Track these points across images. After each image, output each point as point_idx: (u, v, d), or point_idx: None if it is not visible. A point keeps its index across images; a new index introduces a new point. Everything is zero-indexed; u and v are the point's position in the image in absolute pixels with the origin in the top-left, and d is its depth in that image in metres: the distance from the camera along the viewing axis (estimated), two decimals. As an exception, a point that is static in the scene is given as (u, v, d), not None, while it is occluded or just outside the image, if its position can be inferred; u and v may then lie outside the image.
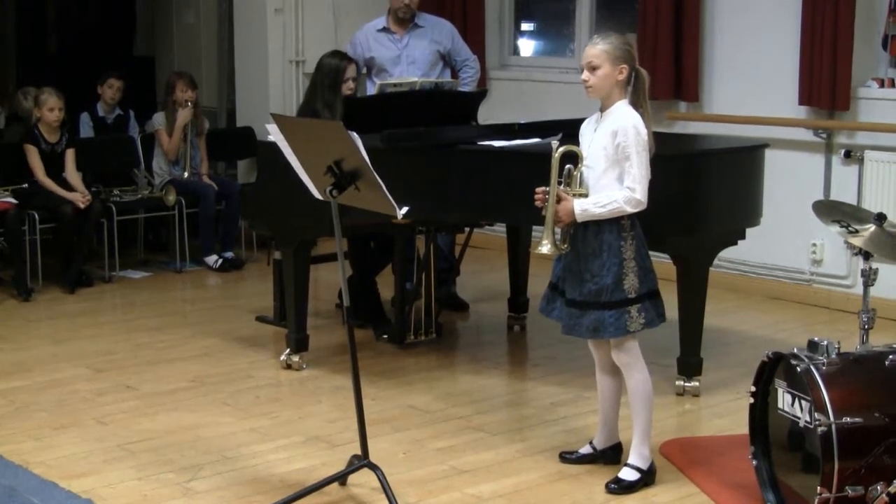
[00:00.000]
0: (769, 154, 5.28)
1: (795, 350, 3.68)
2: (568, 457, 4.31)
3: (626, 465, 4.09)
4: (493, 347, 6.08)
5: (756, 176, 5.17)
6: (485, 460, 4.33)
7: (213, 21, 9.39)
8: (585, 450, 4.30)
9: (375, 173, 3.73)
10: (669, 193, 4.54)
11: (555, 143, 3.95)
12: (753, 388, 3.82)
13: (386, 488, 3.80)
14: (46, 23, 10.93)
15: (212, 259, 7.72)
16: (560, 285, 4.09)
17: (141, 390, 5.18)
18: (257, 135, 8.15)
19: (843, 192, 6.40)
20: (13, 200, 6.96)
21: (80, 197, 7.10)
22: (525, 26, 8.73)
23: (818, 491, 3.45)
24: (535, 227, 5.85)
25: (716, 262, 5.24)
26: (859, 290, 4.13)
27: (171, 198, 7.60)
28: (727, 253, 5.46)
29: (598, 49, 3.91)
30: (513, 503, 3.97)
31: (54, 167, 7.22)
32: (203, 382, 5.31)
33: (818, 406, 3.48)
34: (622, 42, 3.93)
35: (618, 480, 4.05)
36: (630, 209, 3.89)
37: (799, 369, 3.57)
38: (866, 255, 3.96)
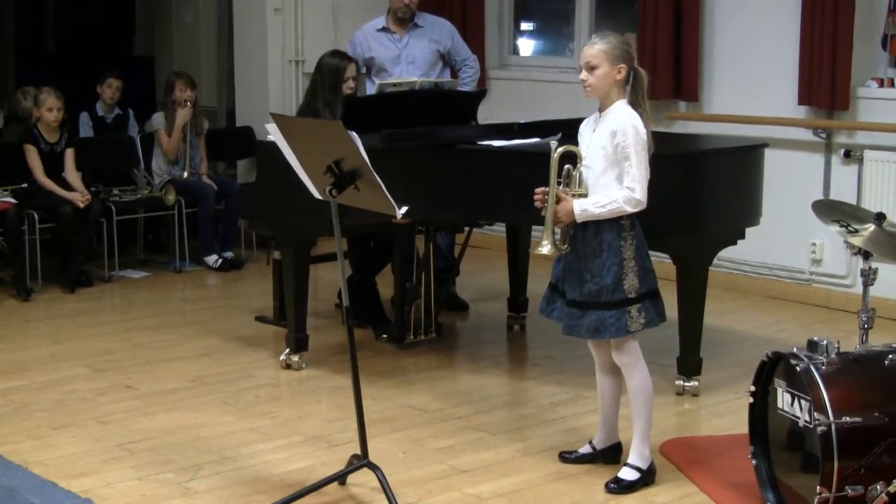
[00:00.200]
0: (769, 154, 5.28)
1: (795, 350, 3.68)
2: (567, 456, 4.31)
3: (625, 464, 4.08)
4: (493, 347, 6.08)
5: (756, 176, 5.17)
6: (484, 460, 4.33)
7: (213, 21, 9.39)
8: (585, 449, 4.30)
9: (375, 173, 3.73)
10: (669, 193, 4.54)
11: (554, 143, 3.95)
12: (753, 388, 3.82)
13: (385, 488, 3.80)
14: (46, 22, 10.93)
15: (211, 259, 7.72)
16: (560, 286, 4.09)
17: (140, 390, 5.18)
18: (257, 134, 8.14)
19: (843, 191, 6.40)
20: (13, 200, 6.96)
21: (79, 197, 7.10)
22: (525, 26, 8.73)
23: (818, 490, 3.45)
24: (534, 227, 5.86)
25: (715, 261, 5.24)
26: (859, 289, 4.13)
27: (171, 198, 7.60)
28: (727, 253, 5.46)
29: (596, 49, 3.90)
30: (512, 503, 3.97)
31: (54, 167, 7.22)
32: (203, 382, 5.31)
33: (818, 406, 3.48)
34: (620, 42, 3.93)
35: (617, 480, 4.05)
36: (630, 209, 3.89)
37: (798, 369, 3.57)
38: (866, 255, 3.96)
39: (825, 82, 6.38)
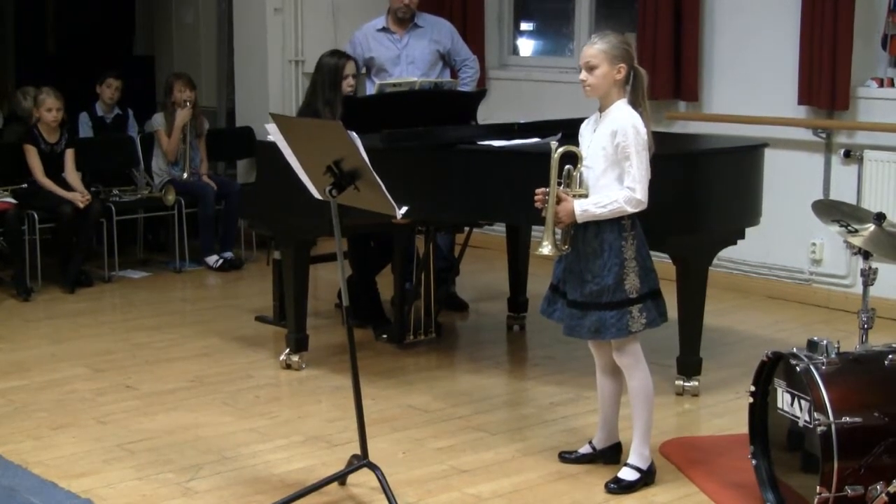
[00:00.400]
0: (769, 154, 5.28)
1: (795, 350, 3.68)
2: (567, 456, 4.31)
3: (625, 464, 4.08)
4: (493, 347, 6.08)
5: (756, 176, 5.17)
6: (484, 460, 4.33)
7: (213, 21, 9.39)
8: (585, 449, 4.30)
9: (375, 173, 3.73)
10: (669, 193, 4.54)
11: (554, 143, 3.95)
12: (753, 388, 3.81)
13: (385, 488, 3.80)
14: (46, 22, 10.92)
15: (211, 259, 7.72)
16: (561, 286, 4.09)
17: (140, 390, 5.18)
18: (257, 135, 8.14)
19: (843, 191, 6.40)
20: (13, 200, 6.97)
21: (79, 197, 7.10)
22: (524, 26, 8.73)
23: (818, 491, 3.45)
24: (534, 228, 5.87)
25: (715, 261, 5.24)
26: (859, 289, 4.13)
27: (171, 198, 7.60)
28: (727, 252, 5.46)
29: (595, 49, 3.90)
30: (512, 503, 3.97)
31: (54, 167, 7.22)
32: (202, 382, 5.31)
33: (818, 406, 3.48)
34: (620, 41, 3.93)
35: (617, 480, 4.05)
36: (631, 209, 3.89)
37: (798, 369, 3.57)
38: (866, 255, 3.96)
39: (825, 82, 6.38)
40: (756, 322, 6.37)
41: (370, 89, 6.61)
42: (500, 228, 6.89)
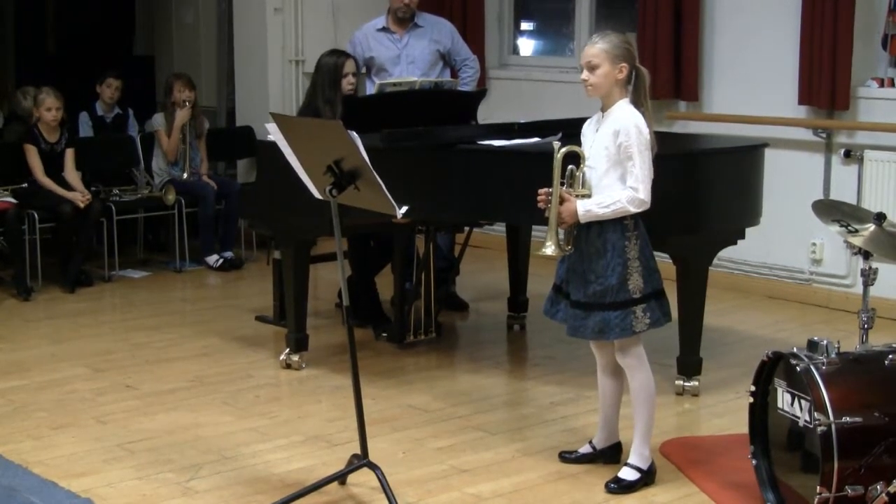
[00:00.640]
0: (769, 154, 5.28)
1: (795, 349, 3.68)
2: (567, 456, 4.31)
3: (625, 464, 4.08)
4: (493, 347, 6.08)
5: (756, 175, 5.17)
6: (484, 460, 4.33)
7: (213, 20, 9.39)
8: (585, 449, 4.30)
9: (375, 173, 3.73)
10: (669, 193, 4.53)
11: (556, 143, 3.94)
12: (753, 388, 3.81)
13: (385, 488, 3.80)
14: (46, 22, 10.92)
15: (212, 259, 7.72)
16: (564, 287, 4.08)
17: (140, 390, 5.18)
18: (257, 134, 8.14)
19: (843, 191, 6.40)
20: (13, 200, 6.97)
21: (79, 196, 7.10)
22: (525, 26, 8.73)
23: (818, 490, 3.45)
24: (535, 227, 5.87)
25: (716, 261, 5.24)
26: (859, 289, 4.13)
27: (171, 197, 7.60)
28: (727, 252, 5.46)
29: (597, 48, 3.90)
30: (512, 503, 3.97)
31: (54, 167, 7.22)
32: (202, 382, 5.31)
33: (818, 406, 3.48)
34: (621, 41, 3.93)
35: (617, 480, 4.05)
36: (633, 209, 3.89)
37: (798, 369, 3.57)
38: (866, 255, 3.96)
39: (825, 82, 6.39)
40: (756, 322, 6.37)
41: (370, 89, 6.60)
42: (500, 228, 6.89)
